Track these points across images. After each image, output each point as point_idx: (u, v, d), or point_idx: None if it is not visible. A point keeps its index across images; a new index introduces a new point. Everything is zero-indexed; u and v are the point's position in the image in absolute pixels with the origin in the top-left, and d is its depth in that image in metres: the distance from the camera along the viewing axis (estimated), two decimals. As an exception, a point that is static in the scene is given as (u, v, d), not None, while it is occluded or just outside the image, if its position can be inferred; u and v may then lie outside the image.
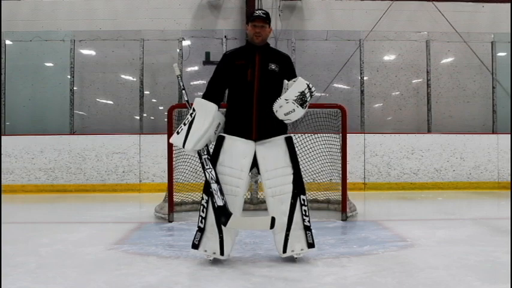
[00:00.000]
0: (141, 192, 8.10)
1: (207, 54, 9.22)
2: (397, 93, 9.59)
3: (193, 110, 3.32)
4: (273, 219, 3.14)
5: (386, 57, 9.65)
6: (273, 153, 3.37)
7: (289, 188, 3.34)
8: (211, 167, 3.28)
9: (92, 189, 8.11)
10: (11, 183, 8.05)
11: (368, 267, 3.27)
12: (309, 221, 3.40)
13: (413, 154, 8.37)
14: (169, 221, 5.14)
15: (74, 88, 8.76)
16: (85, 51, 9.26)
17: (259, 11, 3.50)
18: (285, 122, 3.34)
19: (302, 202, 3.36)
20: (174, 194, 5.33)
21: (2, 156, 7.91)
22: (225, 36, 8.94)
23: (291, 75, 3.46)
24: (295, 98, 3.19)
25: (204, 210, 3.32)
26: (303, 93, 3.20)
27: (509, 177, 8.28)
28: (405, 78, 9.58)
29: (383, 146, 8.35)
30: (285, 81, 3.32)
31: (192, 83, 9.42)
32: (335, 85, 9.39)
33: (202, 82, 9.45)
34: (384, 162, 8.33)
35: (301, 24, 9.63)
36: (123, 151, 8.18)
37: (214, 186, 3.22)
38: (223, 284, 2.94)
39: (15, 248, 3.86)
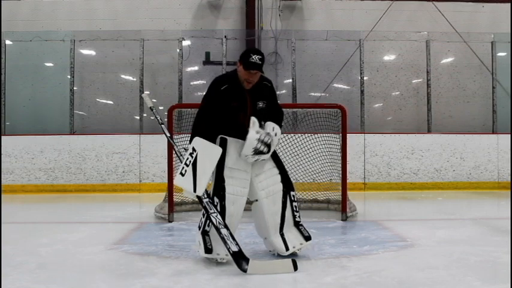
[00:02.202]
0: (141, 192, 8.10)
1: (207, 54, 9.22)
2: (397, 93, 9.59)
3: (194, 150, 3.24)
4: (294, 261, 3.16)
5: (386, 57, 9.65)
6: None
7: (279, 187, 3.51)
8: (215, 210, 3.25)
9: (92, 189, 8.11)
10: (11, 183, 8.04)
11: (368, 267, 3.27)
12: (299, 217, 3.56)
13: (413, 154, 8.37)
14: (169, 221, 5.14)
15: (74, 88, 8.76)
16: (85, 51, 9.26)
17: (256, 57, 3.33)
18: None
19: (292, 198, 3.53)
20: (174, 194, 5.33)
21: (2, 156, 7.90)
22: (225, 36, 8.93)
23: (273, 102, 3.60)
24: (252, 153, 3.34)
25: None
26: (256, 148, 3.32)
27: (509, 177, 8.28)
28: (405, 78, 9.58)
29: (383, 146, 8.34)
30: (252, 119, 3.41)
31: (192, 83, 9.43)
32: (335, 85, 9.39)
33: (202, 82, 9.45)
34: (384, 162, 8.33)
35: (301, 24, 9.63)
36: (123, 151, 8.18)
37: (224, 231, 3.18)
38: (223, 284, 2.94)
39: (15, 248, 3.86)
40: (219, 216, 3.23)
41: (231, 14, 9.65)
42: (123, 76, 9.46)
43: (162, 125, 3.63)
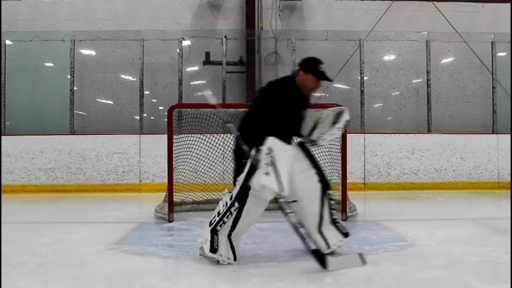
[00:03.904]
0: (141, 192, 8.10)
1: (207, 54, 9.22)
2: (397, 93, 9.59)
3: (270, 149, 3.26)
4: (361, 256, 3.25)
5: (386, 57, 9.65)
6: (294, 159, 3.55)
7: (317, 187, 3.59)
8: (290, 210, 3.32)
9: (92, 189, 8.11)
10: (11, 183, 8.04)
11: (368, 267, 3.26)
12: (335, 214, 3.68)
13: (413, 154, 8.37)
14: (169, 221, 5.14)
15: (74, 88, 8.76)
16: (85, 51, 9.26)
17: (323, 66, 3.58)
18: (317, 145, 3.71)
19: (329, 197, 3.65)
20: (174, 194, 5.33)
21: (2, 156, 7.91)
22: (225, 36, 8.94)
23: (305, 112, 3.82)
24: (344, 126, 3.62)
25: (229, 216, 3.33)
26: (348, 121, 3.63)
27: (509, 177, 8.28)
28: (405, 78, 9.58)
29: (383, 146, 8.34)
30: (321, 112, 3.70)
31: (192, 83, 9.43)
32: (335, 85, 9.39)
33: (202, 82, 9.46)
34: (383, 162, 8.33)
35: (301, 24, 9.63)
36: (123, 151, 8.18)
37: (302, 230, 3.26)
38: (224, 284, 2.94)
39: (15, 248, 3.86)
40: (295, 217, 3.29)
41: (231, 14, 9.65)
42: (123, 76, 9.46)
43: (228, 124, 3.65)
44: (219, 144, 6.13)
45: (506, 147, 8.30)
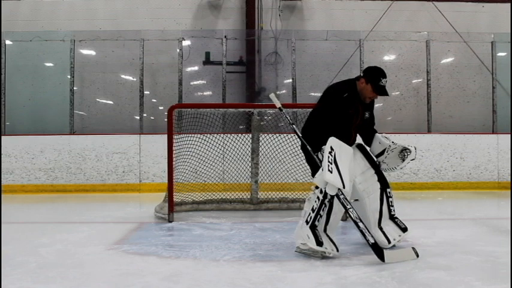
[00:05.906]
0: (141, 192, 8.10)
1: (207, 54, 9.23)
2: (397, 93, 9.59)
3: (332, 149, 3.43)
4: (414, 249, 3.47)
5: (386, 57, 9.65)
6: (354, 161, 3.74)
7: (377, 186, 3.85)
8: (351, 206, 3.46)
9: (92, 189, 8.11)
10: (11, 183, 8.05)
11: (368, 267, 3.26)
12: (394, 210, 3.89)
13: (413, 154, 8.35)
14: (169, 221, 5.14)
15: (74, 88, 8.76)
16: (85, 51, 9.26)
17: (385, 80, 3.79)
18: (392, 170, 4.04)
19: (388, 194, 3.89)
20: (174, 194, 5.33)
21: (2, 156, 7.91)
22: (225, 36, 8.94)
23: (372, 112, 4.06)
24: (405, 165, 3.97)
25: (324, 209, 3.47)
26: (412, 160, 3.93)
27: (509, 177, 8.28)
28: (405, 78, 9.58)
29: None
30: (391, 141, 3.95)
31: (192, 83, 9.43)
32: (335, 85, 9.39)
33: (202, 82, 9.45)
34: (383, 162, 8.31)
35: (301, 24, 9.63)
36: (123, 151, 8.19)
37: (361, 225, 3.41)
38: (223, 284, 2.94)
39: (15, 248, 3.86)
40: (355, 212, 3.43)
41: (231, 14, 9.65)
42: (123, 76, 9.47)
43: (293, 125, 3.80)
44: (219, 144, 6.13)
45: (506, 147, 8.30)
